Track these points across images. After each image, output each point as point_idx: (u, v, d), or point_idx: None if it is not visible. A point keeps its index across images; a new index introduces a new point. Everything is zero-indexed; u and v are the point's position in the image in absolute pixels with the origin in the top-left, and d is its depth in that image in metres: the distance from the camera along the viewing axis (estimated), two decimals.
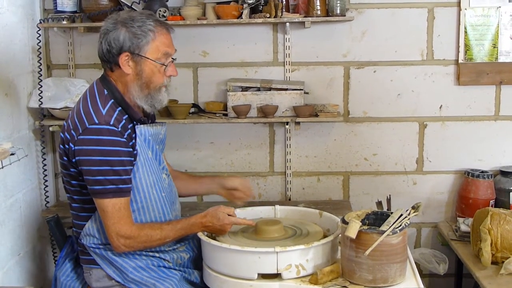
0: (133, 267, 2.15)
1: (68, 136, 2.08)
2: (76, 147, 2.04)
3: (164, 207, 2.23)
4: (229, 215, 2.19)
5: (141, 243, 2.10)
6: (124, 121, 2.10)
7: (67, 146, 2.09)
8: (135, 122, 2.15)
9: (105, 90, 2.14)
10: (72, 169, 2.11)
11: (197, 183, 2.55)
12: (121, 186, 2.04)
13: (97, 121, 2.04)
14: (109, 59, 2.13)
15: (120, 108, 2.12)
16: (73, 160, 2.07)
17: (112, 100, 2.12)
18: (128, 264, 2.15)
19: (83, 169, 2.05)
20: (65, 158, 2.12)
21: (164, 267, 2.21)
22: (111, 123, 2.04)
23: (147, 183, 2.16)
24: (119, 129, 2.05)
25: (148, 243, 2.11)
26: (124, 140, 2.06)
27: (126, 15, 2.14)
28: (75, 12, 3.00)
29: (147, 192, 2.16)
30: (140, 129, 2.15)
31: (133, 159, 2.10)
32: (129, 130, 2.11)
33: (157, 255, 2.20)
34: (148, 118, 2.27)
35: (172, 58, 2.18)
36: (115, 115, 2.08)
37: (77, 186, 2.14)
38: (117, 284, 2.17)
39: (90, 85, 2.21)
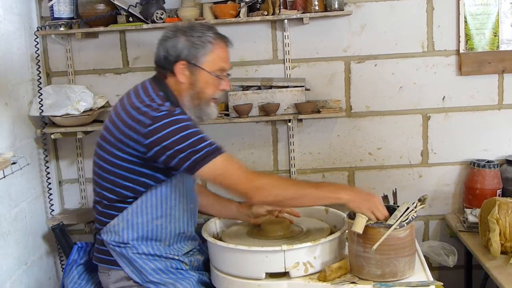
0: (152, 269, 2.14)
1: (133, 135, 2.03)
2: (151, 139, 1.99)
3: (188, 218, 2.25)
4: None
5: (275, 181, 2.06)
6: None
7: (131, 143, 2.03)
8: None
9: (161, 92, 2.13)
10: (126, 163, 2.08)
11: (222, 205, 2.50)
12: (215, 145, 2.02)
13: (163, 108, 2.03)
14: (165, 66, 2.15)
15: (180, 109, 2.11)
16: (149, 153, 2.02)
17: (169, 103, 2.10)
18: (148, 266, 2.14)
19: (169, 154, 1.99)
20: (118, 153, 2.08)
21: (182, 269, 2.20)
22: (177, 112, 2.04)
23: (180, 191, 2.17)
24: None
25: (281, 187, 2.04)
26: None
27: (187, 24, 2.17)
28: (72, 18, 2.99)
29: (177, 201, 2.17)
30: None
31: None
32: None
33: (176, 257, 2.20)
34: None
35: (227, 74, 2.21)
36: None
37: (117, 184, 2.12)
38: (135, 285, 2.16)
39: (140, 85, 2.19)
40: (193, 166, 1.99)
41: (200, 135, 2.01)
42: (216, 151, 2.00)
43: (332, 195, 2.05)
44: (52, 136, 3.02)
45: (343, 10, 2.90)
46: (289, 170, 3.19)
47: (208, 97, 2.17)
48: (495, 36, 3.02)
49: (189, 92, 2.14)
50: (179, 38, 2.12)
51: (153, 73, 2.91)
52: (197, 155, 1.98)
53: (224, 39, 2.18)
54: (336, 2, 2.87)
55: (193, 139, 1.99)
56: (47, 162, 3.08)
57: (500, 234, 2.46)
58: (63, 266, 2.98)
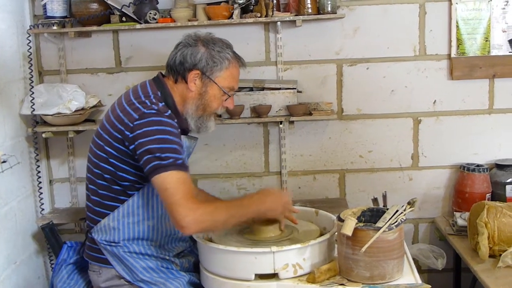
0: (143, 267, 2.15)
1: (121, 128, 2.05)
2: (135, 133, 2.02)
3: None
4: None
5: (209, 214, 1.98)
6: None
7: (119, 136, 2.06)
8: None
9: (159, 92, 2.15)
10: (115, 161, 2.10)
11: None
12: (180, 161, 1.99)
13: (154, 107, 2.05)
14: (178, 71, 2.18)
15: (170, 111, 2.13)
16: (131, 147, 2.04)
17: (163, 103, 2.13)
18: (139, 264, 2.15)
19: (142, 151, 1.99)
20: (107, 148, 2.10)
21: (173, 269, 2.21)
22: (167, 114, 2.07)
23: None
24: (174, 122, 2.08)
25: (215, 216, 2.00)
26: (178, 131, 2.08)
27: (208, 36, 2.23)
28: (65, 17, 2.98)
29: None
30: (181, 138, 2.15)
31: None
32: None
33: (167, 257, 2.21)
34: (187, 131, 2.30)
35: (233, 92, 2.29)
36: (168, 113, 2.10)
37: (110, 181, 2.13)
38: (126, 284, 2.16)
39: (140, 84, 2.22)
40: (152, 171, 1.97)
41: (174, 146, 2.00)
42: (178, 166, 1.97)
43: (255, 209, 2.12)
44: (43, 135, 3.01)
45: (336, 13, 2.91)
46: (280, 172, 3.20)
47: (212, 110, 2.24)
48: (487, 41, 3.04)
49: (196, 101, 2.20)
50: (200, 48, 2.18)
51: (145, 73, 2.93)
52: (159, 162, 1.96)
53: (240, 60, 2.27)
54: (329, 5, 2.88)
55: (165, 146, 1.98)
56: (38, 161, 3.06)
57: (488, 237, 2.47)
58: (53, 266, 2.97)
